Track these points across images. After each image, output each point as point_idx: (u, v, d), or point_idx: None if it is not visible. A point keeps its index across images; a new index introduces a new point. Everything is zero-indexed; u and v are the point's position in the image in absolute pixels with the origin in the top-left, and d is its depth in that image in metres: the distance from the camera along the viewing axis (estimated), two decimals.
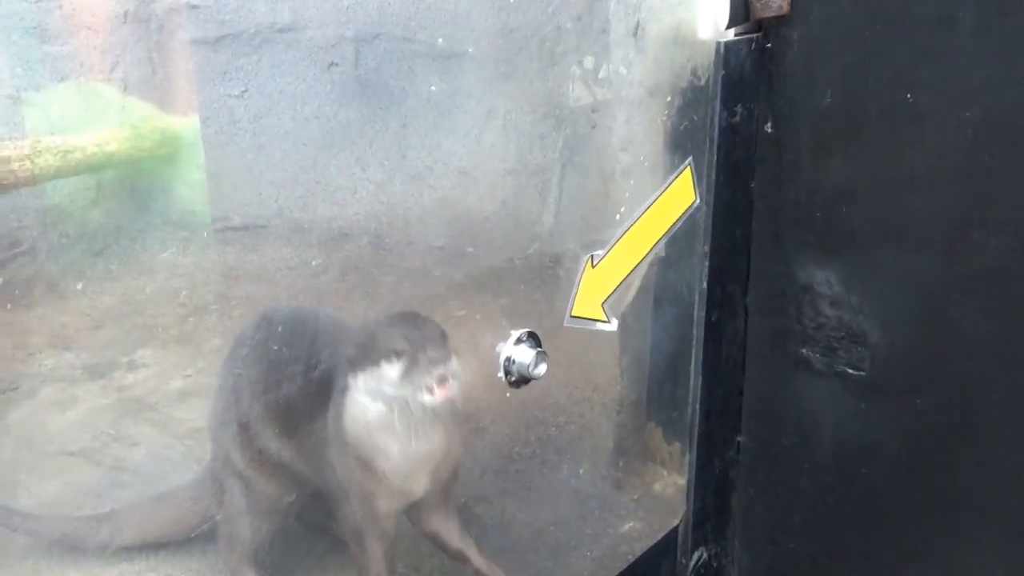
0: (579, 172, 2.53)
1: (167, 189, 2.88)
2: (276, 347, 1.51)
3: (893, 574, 1.64)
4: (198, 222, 2.85)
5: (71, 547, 1.77)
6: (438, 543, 1.53)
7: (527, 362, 1.31)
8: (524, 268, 1.84)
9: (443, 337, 1.25)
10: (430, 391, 1.21)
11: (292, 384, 1.46)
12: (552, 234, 2.40)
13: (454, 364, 1.23)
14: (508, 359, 1.32)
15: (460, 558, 1.54)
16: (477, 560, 1.54)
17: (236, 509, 1.57)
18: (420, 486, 1.39)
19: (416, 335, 1.23)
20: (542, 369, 1.33)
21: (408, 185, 2.80)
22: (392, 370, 1.23)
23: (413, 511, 1.47)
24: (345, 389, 1.32)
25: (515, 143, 2.71)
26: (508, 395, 1.35)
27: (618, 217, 1.56)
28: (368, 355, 1.27)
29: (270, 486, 1.54)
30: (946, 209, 1.43)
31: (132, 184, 2.83)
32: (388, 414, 1.28)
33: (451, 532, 1.52)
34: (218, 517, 1.61)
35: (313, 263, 2.71)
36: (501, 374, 1.32)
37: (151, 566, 1.71)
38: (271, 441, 1.49)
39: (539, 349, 1.32)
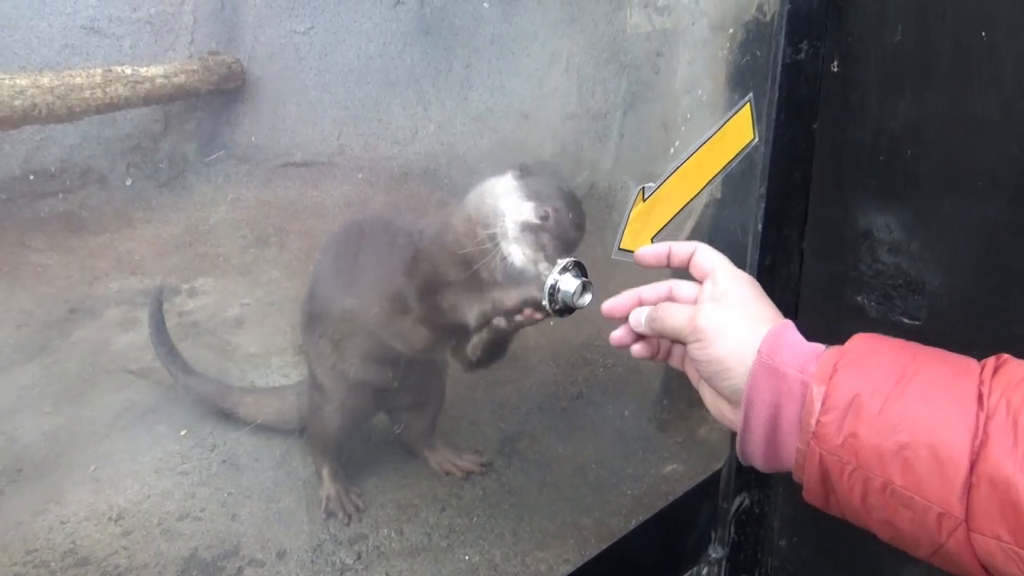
0: (640, 118, 2.50)
1: (232, 123, 2.93)
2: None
3: None
4: (261, 157, 2.90)
5: (210, 406, 1.98)
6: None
7: (571, 291, 1.30)
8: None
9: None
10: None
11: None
12: (610, 177, 2.37)
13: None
14: (552, 287, 1.31)
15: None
16: None
17: (316, 414, 1.76)
18: None
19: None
20: (586, 299, 1.31)
21: (469, 126, 2.80)
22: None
23: None
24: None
25: (577, 87, 2.68)
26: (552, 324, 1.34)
27: (672, 151, 1.53)
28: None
29: (349, 397, 1.71)
30: (1017, 155, 1.37)
31: (199, 117, 2.88)
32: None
33: None
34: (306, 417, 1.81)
35: (372, 201, 2.73)
36: (546, 302, 1.31)
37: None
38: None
39: (584, 279, 1.30)
